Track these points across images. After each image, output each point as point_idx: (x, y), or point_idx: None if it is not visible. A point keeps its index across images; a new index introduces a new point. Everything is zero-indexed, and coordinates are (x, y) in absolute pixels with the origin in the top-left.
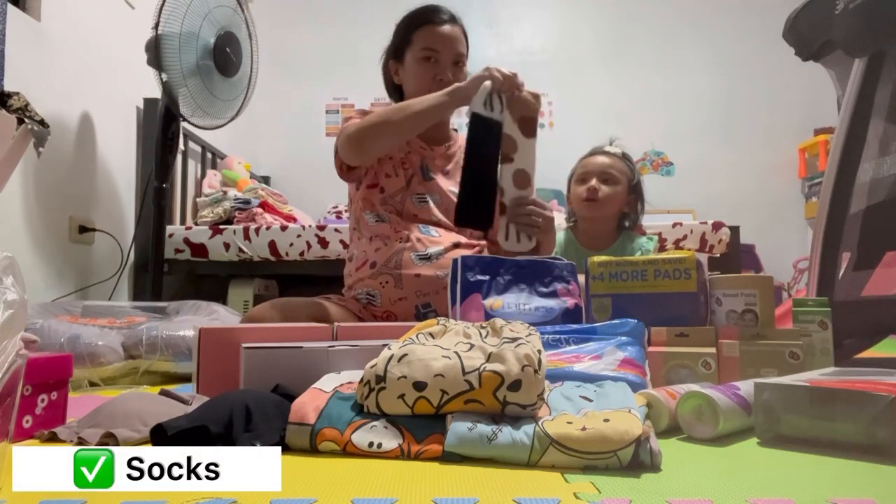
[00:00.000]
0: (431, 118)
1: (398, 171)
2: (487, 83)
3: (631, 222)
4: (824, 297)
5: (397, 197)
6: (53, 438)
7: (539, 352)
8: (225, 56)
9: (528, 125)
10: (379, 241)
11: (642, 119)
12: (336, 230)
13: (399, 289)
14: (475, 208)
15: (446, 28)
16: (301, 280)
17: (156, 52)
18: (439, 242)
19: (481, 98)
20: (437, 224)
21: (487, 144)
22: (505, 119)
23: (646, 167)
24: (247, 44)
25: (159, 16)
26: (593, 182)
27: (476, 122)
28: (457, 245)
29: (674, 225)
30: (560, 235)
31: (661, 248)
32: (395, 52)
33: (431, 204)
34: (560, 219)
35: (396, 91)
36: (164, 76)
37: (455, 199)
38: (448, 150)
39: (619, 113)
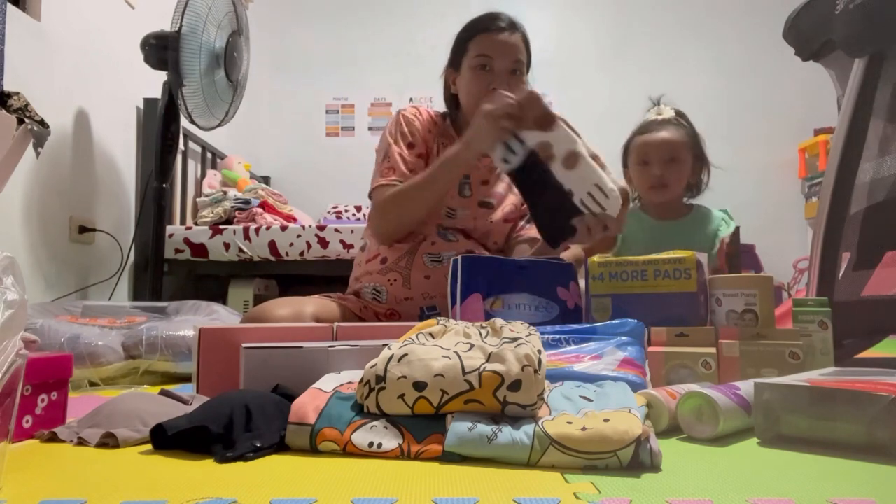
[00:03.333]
0: (447, 187)
1: None
2: (499, 144)
3: (696, 189)
4: (824, 297)
5: None
6: (53, 438)
7: (539, 352)
8: (232, 60)
9: (545, 121)
10: None
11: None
12: (336, 230)
13: (406, 288)
14: (559, 229)
15: (503, 35)
16: (301, 280)
17: (175, 53)
18: (454, 248)
19: (500, 155)
20: (461, 231)
21: (540, 182)
22: (527, 138)
23: None
24: (242, 46)
25: (182, 18)
26: (657, 170)
27: (515, 175)
28: (470, 252)
29: None
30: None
31: None
32: (453, 61)
33: (459, 216)
34: None
35: (454, 100)
36: (169, 75)
37: (487, 209)
38: (492, 161)
39: (619, 113)
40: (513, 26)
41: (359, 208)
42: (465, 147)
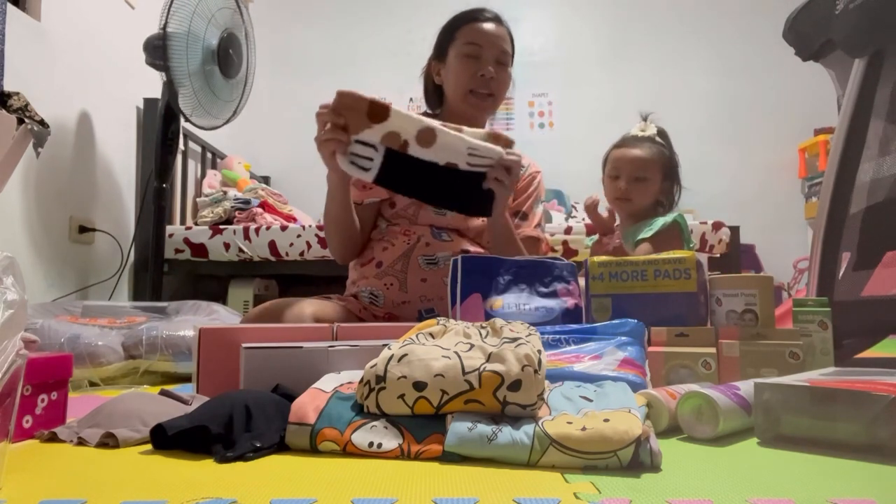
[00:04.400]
0: (343, 210)
1: None
2: (338, 158)
3: (664, 208)
4: (824, 297)
5: (410, 210)
6: (53, 438)
7: (539, 352)
8: (228, 57)
9: (376, 111)
10: (386, 241)
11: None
12: None
13: (403, 292)
14: (476, 201)
15: (490, 25)
16: (301, 280)
17: (163, 52)
18: (448, 248)
19: (355, 168)
20: (454, 230)
21: (404, 172)
22: (370, 136)
23: None
24: (244, 45)
25: (167, 16)
26: (623, 184)
27: (383, 181)
28: (465, 252)
29: None
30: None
31: None
32: (438, 52)
33: (450, 215)
34: (560, 218)
35: (437, 93)
36: (166, 76)
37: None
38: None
39: (619, 113)
40: (498, 19)
41: None
42: (328, 176)
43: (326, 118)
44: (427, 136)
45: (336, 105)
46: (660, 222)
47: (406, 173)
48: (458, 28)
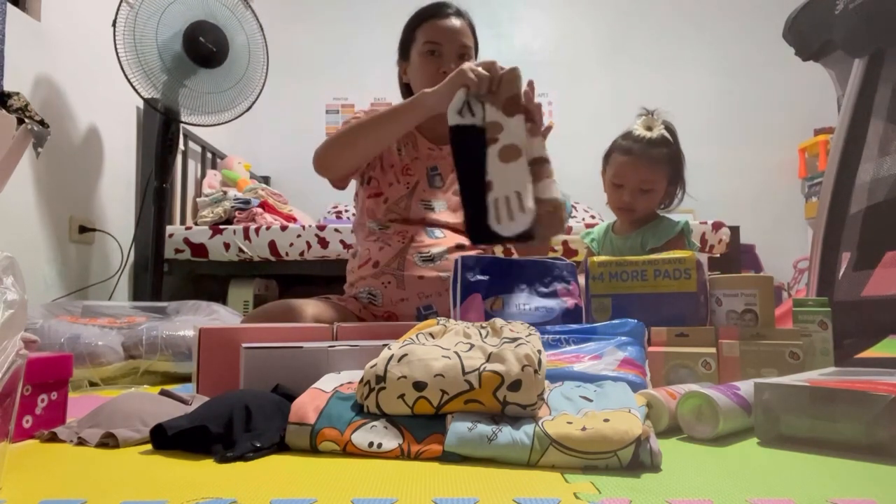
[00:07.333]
0: (398, 130)
1: (400, 179)
2: (462, 91)
3: (669, 204)
4: (824, 297)
5: (401, 203)
6: (53, 438)
7: (539, 352)
8: (199, 46)
9: (511, 104)
10: (382, 242)
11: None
12: (336, 230)
13: (401, 290)
14: (485, 227)
15: (449, 21)
16: (301, 280)
17: (116, 52)
18: (442, 244)
19: (456, 106)
20: (445, 226)
21: (474, 156)
22: (488, 110)
23: None
24: (238, 30)
25: (116, 14)
26: (627, 197)
27: (456, 134)
28: (459, 247)
29: None
30: (602, 227)
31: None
32: (402, 51)
33: (437, 210)
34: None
35: (408, 92)
36: (132, 77)
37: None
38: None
39: (619, 113)
40: (458, 13)
41: None
42: (421, 95)
43: (490, 72)
44: (509, 154)
45: (505, 75)
46: (668, 232)
47: (467, 152)
48: (417, 27)
